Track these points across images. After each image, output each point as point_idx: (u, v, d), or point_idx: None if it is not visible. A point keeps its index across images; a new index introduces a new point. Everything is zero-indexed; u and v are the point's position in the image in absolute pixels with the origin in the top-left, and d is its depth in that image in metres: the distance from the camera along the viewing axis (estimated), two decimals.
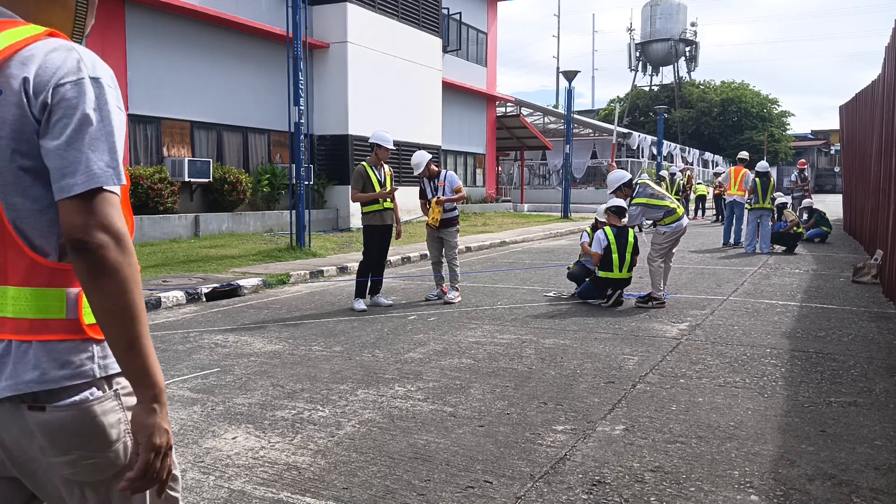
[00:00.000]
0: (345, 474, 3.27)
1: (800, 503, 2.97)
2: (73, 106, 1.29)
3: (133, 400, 1.34)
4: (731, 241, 14.46)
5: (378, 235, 7.92)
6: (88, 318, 1.34)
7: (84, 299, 1.33)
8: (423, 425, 3.91)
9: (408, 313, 7.41)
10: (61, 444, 1.32)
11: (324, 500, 3.01)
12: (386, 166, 7.96)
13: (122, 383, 1.38)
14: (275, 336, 6.32)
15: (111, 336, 1.29)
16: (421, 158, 8.14)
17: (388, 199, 7.87)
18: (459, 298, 8.08)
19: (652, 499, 3.01)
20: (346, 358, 5.48)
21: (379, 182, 7.77)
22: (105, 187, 1.28)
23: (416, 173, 8.26)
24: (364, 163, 7.84)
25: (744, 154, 15.59)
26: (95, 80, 1.35)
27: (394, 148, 8.22)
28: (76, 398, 1.32)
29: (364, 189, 7.70)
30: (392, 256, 12.11)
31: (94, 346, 1.36)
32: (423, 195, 8.38)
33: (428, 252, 8.70)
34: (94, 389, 1.34)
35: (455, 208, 8.29)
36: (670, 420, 3.98)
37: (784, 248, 13.49)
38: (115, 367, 1.37)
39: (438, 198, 8.08)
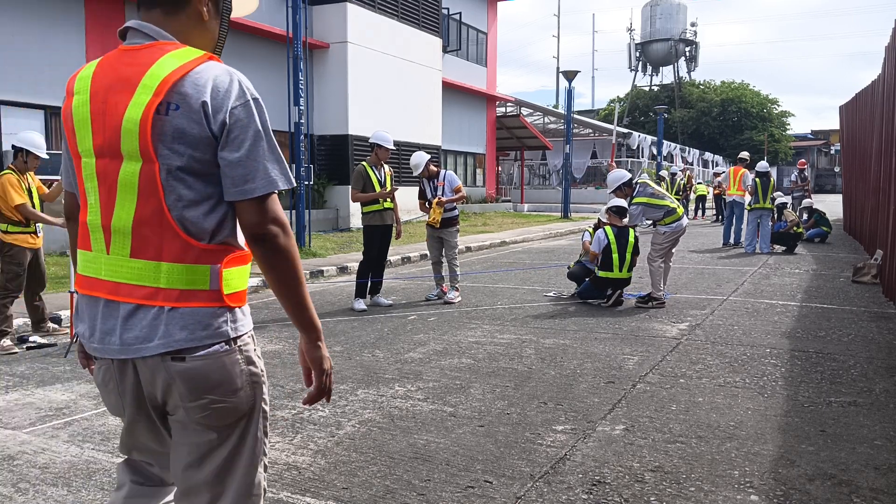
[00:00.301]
0: (345, 474, 3.27)
1: (800, 503, 2.97)
2: (246, 125, 1.58)
3: (253, 355, 1.70)
4: (731, 241, 14.46)
5: (378, 235, 7.91)
6: (228, 288, 1.63)
7: (227, 274, 1.63)
8: (423, 425, 3.91)
9: (408, 313, 7.41)
10: (196, 390, 1.60)
11: (324, 500, 3.01)
12: (386, 166, 7.96)
13: (246, 342, 1.69)
14: (275, 336, 6.32)
15: (286, 299, 1.67)
16: (420, 159, 8.13)
17: (389, 199, 7.86)
18: (459, 298, 8.08)
19: (652, 499, 3.01)
20: (346, 358, 5.48)
21: (379, 182, 7.76)
22: (274, 192, 1.60)
23: (415, 174, 8.25)
24: (364, 163, 7.84)
25: (744, 154, 15.58)
26: (256, 101, 1.62)
27: (394, 148, 8.20)
28: (210, 350, 1.61)
29: (364, 189, 7.70)
30: (392, 256, 12.11)
31: (228, 312, 1.65)
32: (422, 195, 8.37)
33: (428, 252, 8.69)
34: (223, 344, 1.63)
35: (455, 208, 8.27)
36: (670, 420, 3.98)
37: (784, 248, 13.49)
38: (242, 329, 1.67)
39: (439, 198, 8.06)
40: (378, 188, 7.71)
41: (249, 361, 1.69)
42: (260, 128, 1.61)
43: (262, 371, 1.73)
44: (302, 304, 1.70)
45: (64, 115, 1.69)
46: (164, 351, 1.58)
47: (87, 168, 1.65)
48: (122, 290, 1.62)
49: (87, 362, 1.83)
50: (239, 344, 1.67)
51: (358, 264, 8.12)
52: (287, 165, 1.66)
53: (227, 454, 1.66)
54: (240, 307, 1.69)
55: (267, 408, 1.75)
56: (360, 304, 7.68)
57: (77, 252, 1.75)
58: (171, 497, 1.81)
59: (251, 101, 1.60)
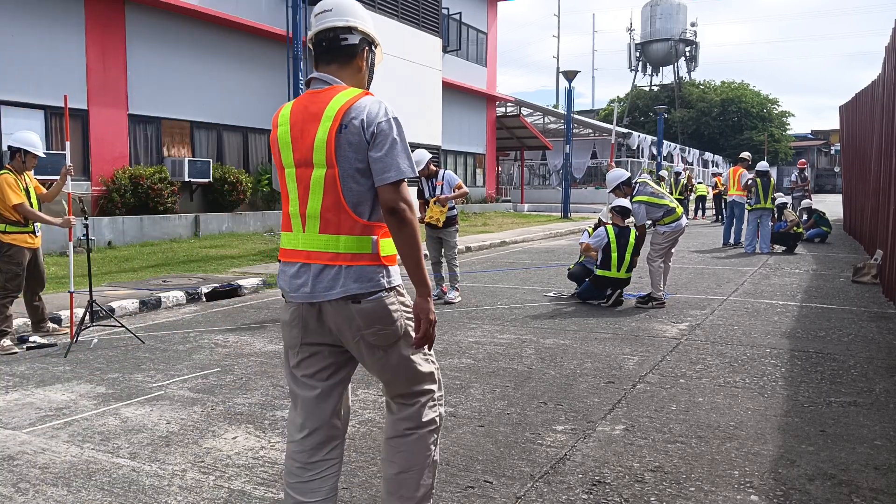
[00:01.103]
0: (345, 474, 3.26)
1: (800, 503, 2.97)
2: (386, 134, 2.28)
3: (404, 299, 2.39)
4: (731, 241, 14.46)
5: None
6: (383, 252, 2.34)
7: (382, 242, 2.33)
8: None
9: None
10: (368, 322, 2.31)
11: None
12: None
13: (399, 291, 2.39)
14: (275, 336, 6.32)
15: (408, 258, 2.30)
16: (421, 156, 8.12)
17: None
18: (459, 298, 8.09)
19: (652, 499, 3.01)
20: None
21: None
22: (405, 178, 2.28)
23: (418, 169, 8.28)
24: None
25: (745, 154, 15.60)
26: (395, 119, 2.33)
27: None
28: (376, 296, 2.31)
29: None
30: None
31: (384, 269, 2.34)
32: (420, 195, 8.38)
33: (427, 253, 8.68)
34: (384, 292, 2.32)
35: (454, 207, 8.28)
36: (670, 420, 3.98)
37: (784, 248, 13.49)
38: (394, 282, 2.37)
39: (439, 196, 8.06)
40: None
41: (402, 303, 2.39)
42: (396, 136, 2.30)
43: (409, 307, 2.40)
44: (419, 264, 2.31)
45: (272, 140, 2.46)
46: (343, 296, 2.29)
47: (289, 175, 2.40)
48: (313, 255, 2.34)
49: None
50: (395, 290, 2.37)
51: None
52: (413, 161, 2.37)
53: (395, 362, 2.39)
54: (392, 266, 2.37)
55: (412, 330, 2.39)
56: None
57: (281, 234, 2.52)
58: (330, 440, 2.47)
59: (391, 119, 2.32)
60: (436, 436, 2.49)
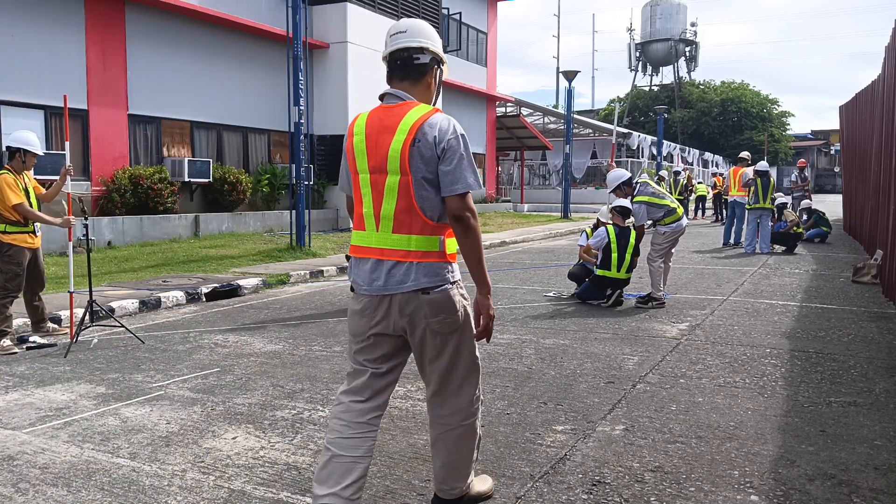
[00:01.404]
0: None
1: (800, 503, 2.97)
2: (455, 149, 2.56)
3: (464, 292, 2.71)
4: (732, 241, 14.46)
5: None
6: (448, 250, 2.64)
7: (448, 241, 2.63)
8: (423, 425, 3.90)
9: None
10: (435, 311, 2.60)
11: None
12: None
13: (459, 284, 2.70)
14: (275, 336, 6.32)
15: (471, 261, 2.61)
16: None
17: None
18: None
19: (652, 499, 3.01)
20: (346, 358, 5.47)
21: None
22: (469, 191, 2.56)
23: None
24: None
25: (745, 154, 15.62)
26: (462, 136, 2.59)
27: None
28: (442, 288, 2.61)
29: None
30: None
31: (449, 265, 2.65)
32: None
33: None
34: (448, 285, 2.63)
35: None
36: (670, 420, 3.98)
37: (784, 248, 13.49)
38: (457, 277, 2.68)
39: None
40: None
41: (462, 296, 2.71)
42: (463, 152, 2.58)
43: (468, 299, 2.73)
44: (481, 264, 2.63)
45: (347, 148, 2.72)
46: (414, 288, 2.58)
47: (363, 180, 2.66)
48: (386, 252, 2.62)
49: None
50: (457, 284, 2.69)
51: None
52: (479, 175, 2.69)
53: (453, 348, 2.69)
54: (454, 262, 2.69)
55: (472, 321, 2.72)
56: None
57: (352, 232, 2.78)
58: (376, 408, 2.72)
59: (459, 136, 2.58)
60: (478, 421, 2.85)
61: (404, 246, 2.60)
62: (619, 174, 8.02)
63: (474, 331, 2.73)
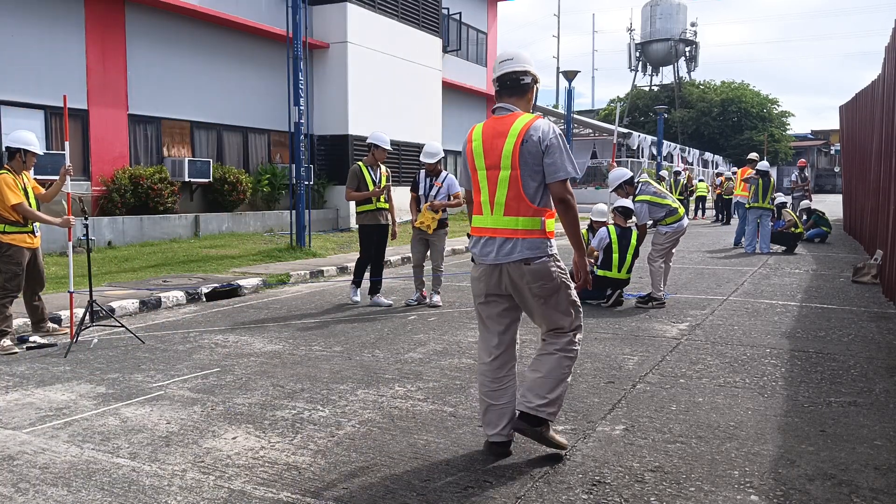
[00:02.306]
0: (345, 474, 3.27)
1: (800, 503, 2.97)
2: (556, 146, 3.26)
3: (560, 263, 3.38)
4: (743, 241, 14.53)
5: (372, 234, 7.97)
6: (547, 228, 3.34)
7: (547, 221, 3.34)
8: (423, 425, 3.91)
9: (408, 313, 7.41)
10: (535, 278, 3.27)
11: (324, 500, 3.01)
12: (383, 167, 8.02)
13: (556, 256, 3.36)
14: (275, 336, 6.32)
15: (570, 231, 3.37)
16: (436, 150, 7.82)
17: (383, 199, 7.91)
18: (441, 303, 7.91)
19: (652, 499, 3.01)
20: (346, 358, 5.48)
21: (374, 182, 7.85)
22: (569, 177, 3.26)
23: (432, 161, 7.76)
24: (360, 163, 7.92)
25: (753, 155, 15.73)
26: (560, 135, 3.29)
27: (391, 149, 8.10)
28: (542, 259, 3.29)
29: (359, 189, 7.79)
30: (392, 256, 12.10)
31: (548, 241, 3.34)
32: (415, 188, 7.98)
33: (411, 254, 8.19)
34: (546, 257, 3.31)
35: (445, 210, 7.98)
36: (670, 420, 3.98)
37: (784, 248, 13.49)
38: (553, 251, 3.35)
39: (433, 202, 7.71)
40: (372, 188, 7.79)
41: (559, 267, 3.38)
42: (562, 147, 3.29)
43: (563, 269, 3.40)
44: (578, 234, 3.41)
45: (467, 151, 3.49)
46: (519, 259, 3.30)
47: (481, 176, 3.42)
48: (498, 231, 3.36)
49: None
50: (553, 256, 3.37)
51: (357, 260, 8.18)
52: (576, 164, 3.35)
53: (553, 308, 3.39)
54: (552, 238, 3.38)
55: (567, 280, 3.42)
56: (356, 296, 7.92)
57: (473, 219, 3.53)
58: (507, 358, 3.55)
59: (557, 135, 3.31)
60: (572, 363, 3.46)
61: (513, 226, 3.33)
62: (621, 173, 8.01)
63: (571, 289, 3.45)
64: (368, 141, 7.94)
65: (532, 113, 3.45)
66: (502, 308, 3.46)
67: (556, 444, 3.47)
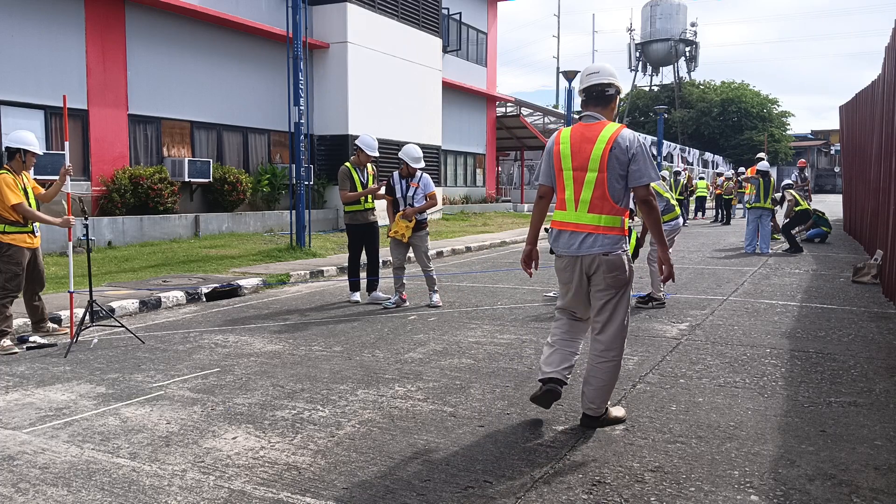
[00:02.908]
0: (345, 474, 3.27)
1: (800, 503, 2.97)
2: (640, 154, 3.66)
3: (629, 255, 3.83)
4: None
5: (359, 233, 8.09)
6: (624, 226, 3.72)
7: (625, 220, 3.73)
8: (423, 425, 3.91)
9: (408, 313, 7.41)
10: (611, 269, 3.69)
11: (324, 500, 3.01)
12: (370, 166, 8.16)
13: (627, 251, 3.77)
14: (275, 336, 6.32)
15: (653, 229, 3.84)
16: (414, 152, 7.72)
17: (371, 199, 8.06)
18: (440, 303, 7.85)
19: (652, 499, 3.01)
20: (346, 358, 5.48)
21: (362, 183, 8.01)
22: (651, 183, 3.72)
23: (419, 165, 7.71)
24: (347, 164, 8.04)
25: (762, 155, 15.99)
26: (643, 143, 3.70)
27: (377, 155, 8.05)
28: (617, 253, 3.70)
29: (351, 189, 7.92)
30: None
31: (624, 238, 3.71)
32: (390, 192, 7.86)
33: (391, 257, 7.94)
34: (621, 251, 3.71)
35: (423, 210, 7.80)
36: (670, 420, 3.98)
37: (790, 247, 13.48)
38: (626, 246, 3.77)
39: (405, 211, 7.64)
40: (360, 188, 7.93)
41: (629, 260, 3.82)
42: (646, 154, 3.70)
43: (632, 264, 3.88)
44: (661, 230, 3.88)
45: (554, 152, 3.85)
46: (599, 251, 3.71)
47: (566, 176, 3.80)
48: (581, 226, 3.75)
49: (529, 266, 4.16)
50: (625, 250, 3.78)
51: (368, 263, 8.33)
52: (657, 170, 3.82)
53: (617, 300, 3.79)
54: (626, 235, 3.78)
55: (631, 284, 3.87)
56: (355, 297, 8.00)
57: (554, 214, 3.93)
58: (584, 326, 4.02)
59: (641, 144, 3.72)
60: (621, 360, 3.89)
61: (595, 222, 3.73)
62: None
63: (630, 289, 3.85)
64: (356, 143, 8.04)
65: (616, 122, 3.86)
66: (583, 296, 3.92)
67: (619, 420, 3.92)
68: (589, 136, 3.74)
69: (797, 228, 14.74)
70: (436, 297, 7.85)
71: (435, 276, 7.98)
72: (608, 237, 3.71)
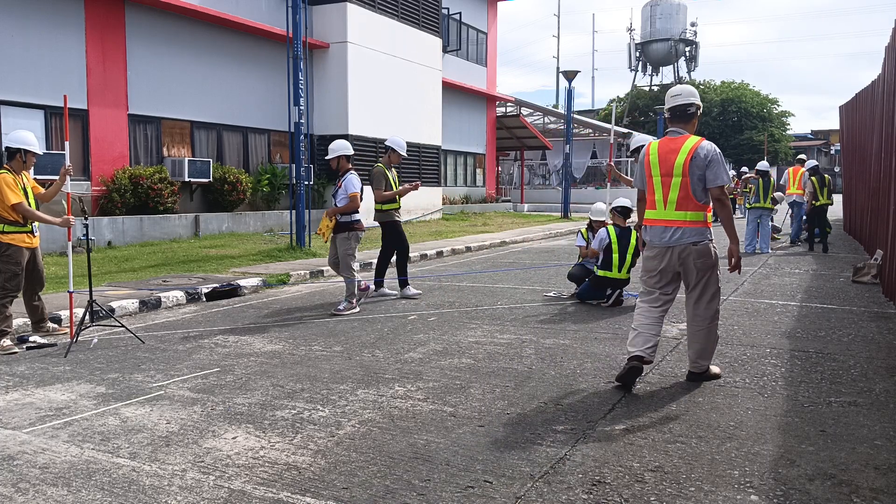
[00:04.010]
0: (345, 474, 3.27)
1: (800, 503, 2.97)
2: (716, 160, 4.54)
3: (715, 246, 4.71)
4: (799, 238, 14.92)
5: (396, 230, 8.43)
6: (707, 220, 4.62)
7: (707, 215, 4.64)
8: (423, 425, 3.91)
9: (408, 313, 7.41)
10: (699, 255, 4.59)
11: (324, 500, 3.01)
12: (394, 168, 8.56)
13: (712, 239, 4.68)
14: (275, 336, 6.32)
15: (727, 224, 4.70)
16: (338, 147, 7.70)
17: (399, 198, 8.46)
18: (355, 309, 7.42)
19: (652, 499, 3.01)
20: (346, 358, 5.48)
21: (395, 182, 8.37)
22: (725, 185, 4.58)
23: (330, 157, 7.71)
24: (380, 164, 8.33)
25: (803, 156, 16.17)
26: (718, 152, 4.59)
27: (406, 156, 8.56)
28: (704, 242, 4.59)
29: (386, 188, 8.22)
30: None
31: (707, 229, 4.63)
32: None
33: (329, 254, 7.94)
34: (707, 241, 4.61)
35: (354, 213, 7.55)
36: (670, 420, 3.98)
37: (814, 239, 13.74)
38: (711, 236, 4.67)
39: (328, 210, 7.55)
40: (395, 187, 8.29)
41: (714, 248, 4.62)
42: (720, 161, 4.51)
43: (717, 250, 4.66)
44: (732, 225, 4.65)
45: (646, 162, 4.71)
46: (689, 242, 4.53)
47: (656, 181, 4.65)
48: (671, 222, 4.58)
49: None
50: (711, 240, 4.62)
51: (380, 255, 8.55)
52: (728, 173, 5.08)
53: (707, 279, 4.61)
54: (709, 227, 4.61)
55: (718, 263, 4.66)
56: (385, 291, 8.37)
57: (646, 213, 4.75)
58: (663, 311, 4.77)
59: (716, 153, 4.53)
60: (718, 323, 4.76)
61: (682, 218, 4.57)
62: (641, 138, 8.24)
63: (718, 269, 4.67)
64: (387, 143, 8.37)
65: (696, 135, 4.66)
66: (667, 280, 4.70)
67: (717, 376, 4.78)
68: (673, 147, 4.60)
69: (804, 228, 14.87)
70: (342, 306, 7.41)
71: (352, 286, 7.50)
72: (695, 230, 4.54)
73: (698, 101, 4.70)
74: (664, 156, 4.60)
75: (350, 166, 7.75)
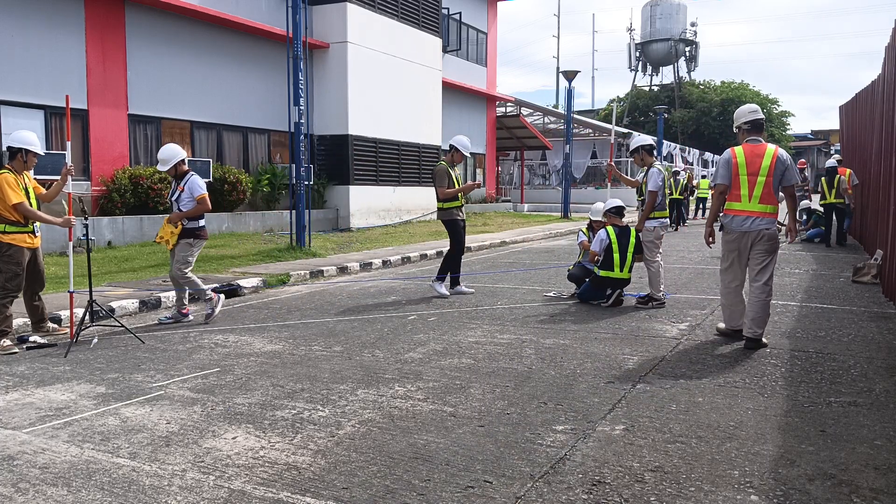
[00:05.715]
0: (345, 474, 3.27)
1: (800, 503, 2.97)
2: (790, 165, 5.81)
3: (778, 230, 6.52)
4: (844, 241, 14.77)
5: (459, 227, 8.58)
6: (777, 211, 5.98)
7: (778, 207, 5.94)
8: (423, 425, 3.91)
9: (408, 313, 7.41)
10: (769, 239, 5.79)
11: (324, 500, 3.01)
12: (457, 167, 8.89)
13: (779, 228, 7.72)
14: (275, 336, 6.32)
15: (792, 214, 6.61)
16: (169, 154, 7.02)
17: (461, 196, 8.71)
18: (190, 318, 7.12)
19: (652, 499, 3.01)
20: (346, 358, 5.48)
21: (457, 180, 8.65)
22: (794, 182, 5.95)
23: (162, 169, 7.07)
24: (443, 162, 8.62)
25: (837, 156, 16.12)
26: (791, 157, 5.95)
27: (469, 156, 8.69)
28: (773, 229, 5.81)
29: (449, 186, 8.47)
30: (392, 256, 12.11)
31: (776, 219, 5.92)
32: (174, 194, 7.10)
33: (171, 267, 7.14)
34: (775, 228, 5.86)
35: (199, 218, 7.01)
36: (670, 420, 3.98)
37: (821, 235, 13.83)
38: (778, 225, 7.37)
39: (171, 216, 6.91)
40: (457, 185, 8.58)
41: (778, 231, 6.08)
42: (794, 165, 5.81)
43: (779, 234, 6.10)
44: (795, 213, 6.54)
45: (733, 162, 5.81)
46: (763, 227, 5.74)
47: (742, 179, 5.76)
48: (753, 213, 5.75)
49: (712, 240, 6.26)
50: (777, 225, 6.37)
51: (447, 255, 8.69)
52: (797, 174, 6.04)
53: (771, 258, 5.80)
54: (777, 217, 5.97)
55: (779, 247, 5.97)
56: (444, 290, 8.45)
57: (728, 204, 5.92)
58: (743, 274, 5.99)
59: (790, 158, 5.80)
60: (772, 296, 5.76)
61: (764, 209, 5.68)
62: (643, 139, 8.20)
63: (777, 256, 5.80)
64: (451, 143, 8.67)
65: (766, 142, 5.79)
66: (743, 257, 5.81)
67: (765, 345, 5.69)
68: (758, 152, 5.72)
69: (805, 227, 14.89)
70: (166, 314, 7.20)
71: (185, 296, 7.09)
72: (769, 219, 5.71)
73: (763, 115, 5.98)
74: (751, 159, 5.69)
75: (188, 169, 7.11)
